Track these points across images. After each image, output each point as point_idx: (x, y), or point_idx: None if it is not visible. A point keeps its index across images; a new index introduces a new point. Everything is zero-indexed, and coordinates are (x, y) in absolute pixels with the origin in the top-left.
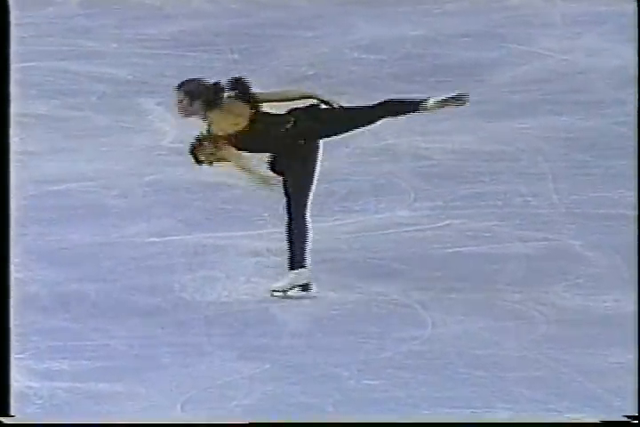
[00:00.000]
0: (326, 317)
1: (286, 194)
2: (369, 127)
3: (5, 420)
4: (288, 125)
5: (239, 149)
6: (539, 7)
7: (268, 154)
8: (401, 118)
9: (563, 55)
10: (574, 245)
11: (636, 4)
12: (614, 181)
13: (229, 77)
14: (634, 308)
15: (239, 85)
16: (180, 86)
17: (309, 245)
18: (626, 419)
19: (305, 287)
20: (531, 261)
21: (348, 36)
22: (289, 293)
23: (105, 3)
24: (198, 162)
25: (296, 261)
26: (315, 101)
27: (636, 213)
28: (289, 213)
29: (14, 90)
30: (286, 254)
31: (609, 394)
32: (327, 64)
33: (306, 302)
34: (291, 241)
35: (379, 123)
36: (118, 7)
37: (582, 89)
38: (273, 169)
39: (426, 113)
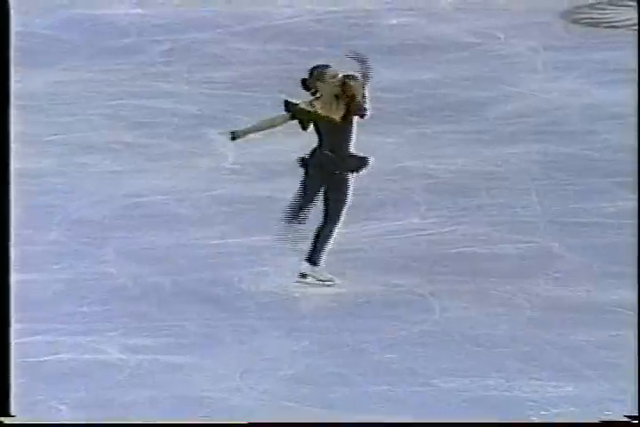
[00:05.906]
0: (354, 303)
1: (326, 203)
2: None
3: (5, 420)
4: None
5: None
6: (525, 56)
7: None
8: (412, 144)
9: (545, 95)
10: (553, 246)
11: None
12: (588, 196)
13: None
14: (607, 298)
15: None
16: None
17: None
18: (626, 419)
19: (328, 282)
20: (519, 260)
21: (371, 80)
22: (309, 281)
23: (179, 53)
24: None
25: (319, 258)
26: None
27: (637, 220)
28: (325, 217)
29: (108, 122)
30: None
31: (581, 366)
32: None
33: (337, 291)
34: (318, 241)
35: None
36: (189, 56)
37: (560, 122)
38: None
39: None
